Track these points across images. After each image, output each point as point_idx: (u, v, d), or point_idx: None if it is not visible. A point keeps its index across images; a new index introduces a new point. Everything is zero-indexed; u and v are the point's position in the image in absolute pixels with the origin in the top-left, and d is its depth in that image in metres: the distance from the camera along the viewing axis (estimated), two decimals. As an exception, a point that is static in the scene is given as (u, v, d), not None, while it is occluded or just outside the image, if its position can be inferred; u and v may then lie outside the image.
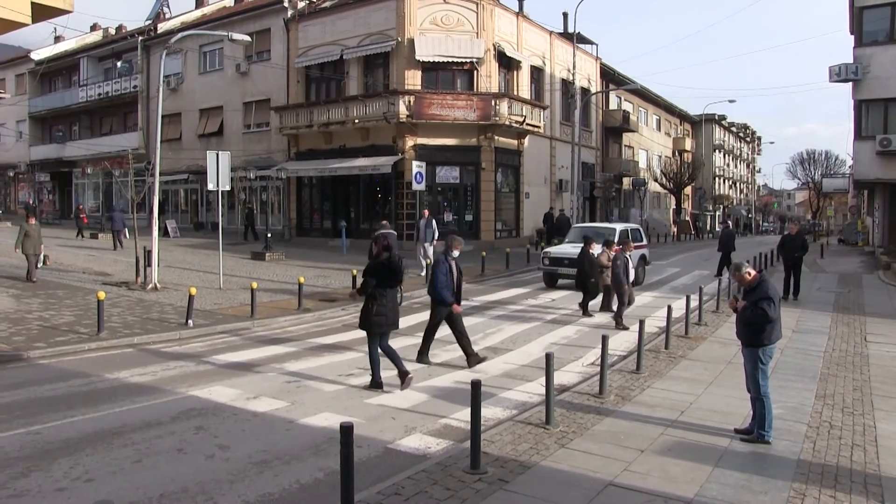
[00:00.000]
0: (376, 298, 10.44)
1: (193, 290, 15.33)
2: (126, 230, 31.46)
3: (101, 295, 13.78)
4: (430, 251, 23.67)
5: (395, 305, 10.78)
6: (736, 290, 11.75)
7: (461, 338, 12.10)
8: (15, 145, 57.16)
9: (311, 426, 8.62)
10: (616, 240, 19.76)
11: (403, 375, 10.42)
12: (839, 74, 33.91)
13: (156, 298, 17.75)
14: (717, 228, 79.05)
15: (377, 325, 10.46)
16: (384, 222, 22.02)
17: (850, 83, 34.32)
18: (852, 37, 36.23)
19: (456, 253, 12.11)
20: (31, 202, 52.48)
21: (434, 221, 24.79)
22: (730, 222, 34.08)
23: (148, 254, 19.38)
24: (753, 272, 8.42)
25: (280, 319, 16.10)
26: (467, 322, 16.16)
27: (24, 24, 15.13)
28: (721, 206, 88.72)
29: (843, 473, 7.23)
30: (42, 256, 20.94)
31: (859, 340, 14.58)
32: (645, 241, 24.44)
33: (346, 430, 5.49)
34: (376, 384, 10.43)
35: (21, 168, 57.58)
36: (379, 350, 10.57)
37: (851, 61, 33.82)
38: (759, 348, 8.22)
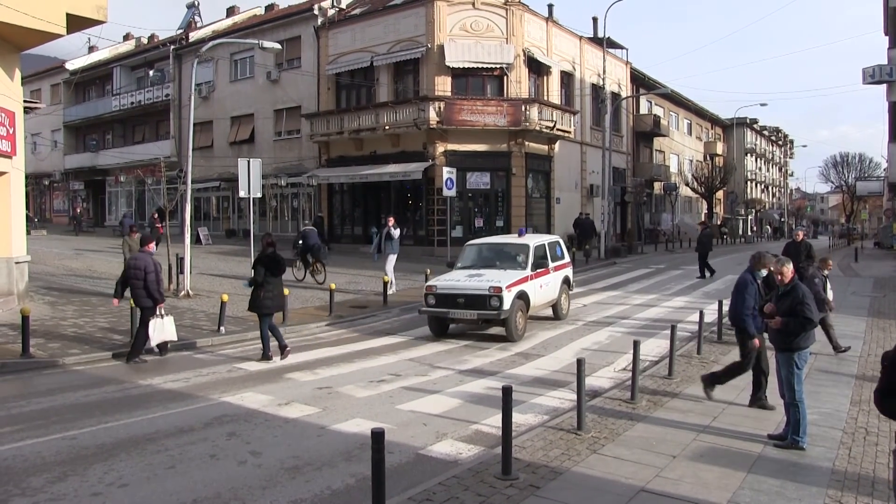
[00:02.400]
0: (263, 286, 12.67)
1: (226, 297, 15.46)
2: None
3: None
4: (391, 265, 21.39)
5: (280, 292, 13.15)
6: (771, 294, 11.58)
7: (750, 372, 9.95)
8: (50, 154, 58.03)
9: (342, 432, 8.64)
10: (531, 260, 15.89)
11: (283, 349, 12.81)
12: (873, 76, 33.49)
13: (188, 305, 17.91)
14: (749, 233, 78.50)
15: (266, 308, 12.70)
16: (306, 221, 22.22)
17: (885, 85, 33.86)
18: (887, 38, 35.79)
19: (764, 272, 9.98)
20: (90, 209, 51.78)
21: (398, 231, 22.14)
22: (708, 223, 33.76)
23: (180, 261, 19.56)
24: (792, 271, 8.37)
25: (311, 326, 16.19)
26: (498, 328, 16.16)
27: (59, 35, 15.44)
28: (753, 211, 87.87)
29: (879, 481, 7.10)
30: None
31: None
32: (567, 259, 18.36)
33: (378, 435, 5.49)
34: (266, 357, 12.62)
35: (56, 177, 58.43)
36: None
37: (886, 62, 33.37)
38: (794, 353, 8.13)
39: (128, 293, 12.89)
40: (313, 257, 23.02)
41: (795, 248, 18.68)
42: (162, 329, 12.62)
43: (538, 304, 16.14)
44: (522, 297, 15.07)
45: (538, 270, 16.06)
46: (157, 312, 12.59)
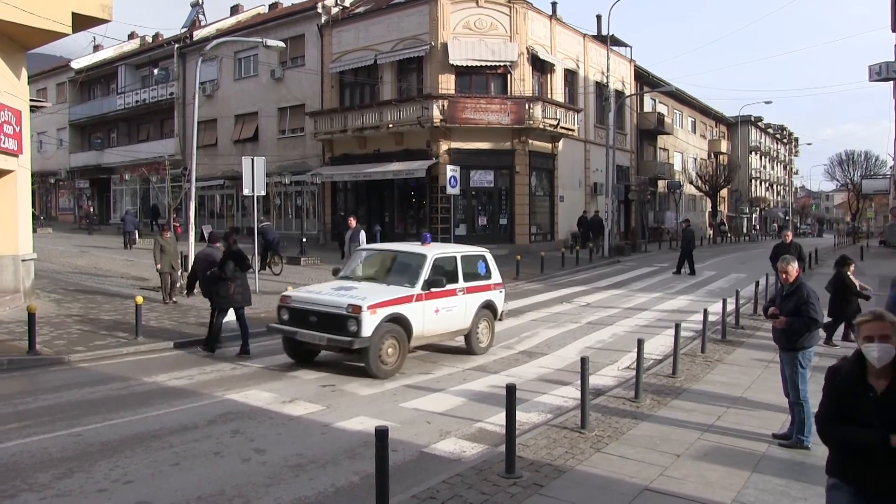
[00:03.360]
0: (233, 280, 12.94)
1: (230, 295, 15.46)
2: (136, 232, 33.76)
3: (140, 300, 13.98)
4: None
5: (247, 285, 13.48)
6: (774, 295, 11.49)
7: None
8: (55, 153, 58.12)
9: (346, 430, 8.66)
10: (425, 275, 12.25)
11: (245, 351, 12.97)
12: (879, 73, 33.49)
13: (192, 303, 17.91)
14: (753, 231, 78.35)
15: (237, 302, 13.07)
16: (263, 217, 22.42)
17: (892, 82, 33.82)
18: (894, 35, 35.69)
19: None
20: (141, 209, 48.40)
21: (363, 233, 19.91)
22: (690, 220, 33.95)
23: (184, 258, 19.58)
24: (797, 270, 8.36)
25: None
26: (502, 326, 16.11)
27: (65, 34, 15.48)
28: (757, 209, 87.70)
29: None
30: (180, 273, 19.11)
31: (901, 344, 14.26)
32: (495, 280, 14.20)
33: (381, 433, 5.50)
34: (210, 348, 13.10)
35: (61, 175, 58.48)
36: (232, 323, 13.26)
37: (893, 59, 33.30)
38: (799, 352, 8.12)
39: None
40: (272, 251, 24.59)
41: (785, 249, 18.01)
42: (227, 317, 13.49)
43: (431, 333, 12.60)
44: (399, 321, 11.69)
45: (435, 290, 12.32)
46: None
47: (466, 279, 13.30)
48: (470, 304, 13.28)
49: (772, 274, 16.73)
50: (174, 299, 18.27)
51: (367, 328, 11.06)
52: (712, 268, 30.73)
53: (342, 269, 13.97)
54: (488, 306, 13.79)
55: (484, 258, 14.21)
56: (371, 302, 11.26)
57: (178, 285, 18.56)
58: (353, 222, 20.25)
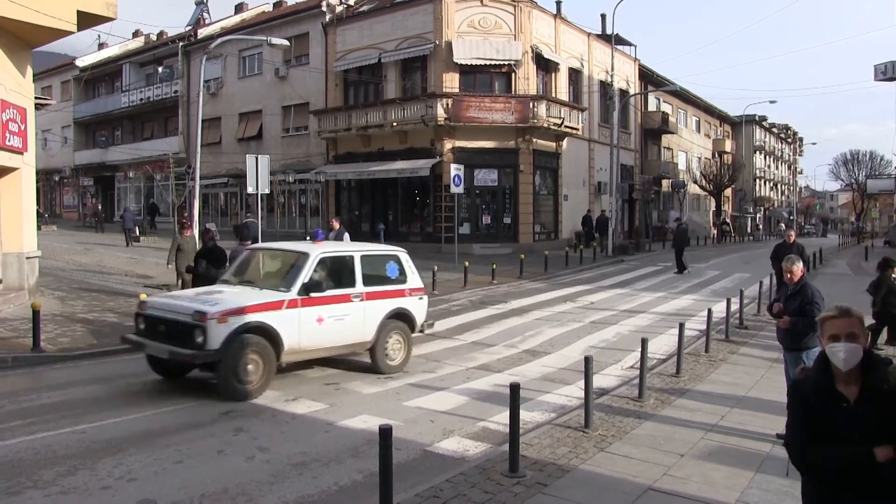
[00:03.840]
0: (206, 277, 12.94)
1: (233, 293, 15.46)
2: (137, 228, 34.01)
3: (144, 297, 13.97)
4: None
5: None
6: (776, 293, 11.38)
7: None
8: (60, 150, 58.25)
9: (349, 428, 8.66)
10: (305, 278, 10.34)
11: None
12: (885, 72, 33.44)
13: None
14: (758, 230, 78.22)
15: None
16: (248, 214, 22.44)
17: (896, 81, 33.78)
18: (898, 34, 35.65)
19: None
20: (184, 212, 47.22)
21: (347, 235, 18.57)
22: (683, 219, 33.83)
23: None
24: (802, 270, 8.34)
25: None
26: (506, 325, 16.11)
27: (70, 32, 15.50)
28: (762, 208, 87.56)
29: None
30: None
31: (905, 344, 14.27)
32: (412, 285, 12.15)
33: (385, 432, 5.51)
34: None
35: (66, 172, 58.61)
36: None
37: (898, 59, 33.24)
38: (804, 352, 8.10)
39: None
40: None
41: (787, 249, 16.80)
42: None
43: (313, 346, 10.70)
44: (264, 332, 9.85)
45: (318, 295, 10.47)
46: None
47: (368, 283, 11.33)
48: (371, 313, 11.30)
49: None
50: None
51: (215, 339, 9.34)
52: (716, 267, 30.69)
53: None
54: (400, 315, 11.78)
55: (397, 259, 12.20)
56: (222, 308, 9.53)
57: None
58: (335, 224, 19.19)
